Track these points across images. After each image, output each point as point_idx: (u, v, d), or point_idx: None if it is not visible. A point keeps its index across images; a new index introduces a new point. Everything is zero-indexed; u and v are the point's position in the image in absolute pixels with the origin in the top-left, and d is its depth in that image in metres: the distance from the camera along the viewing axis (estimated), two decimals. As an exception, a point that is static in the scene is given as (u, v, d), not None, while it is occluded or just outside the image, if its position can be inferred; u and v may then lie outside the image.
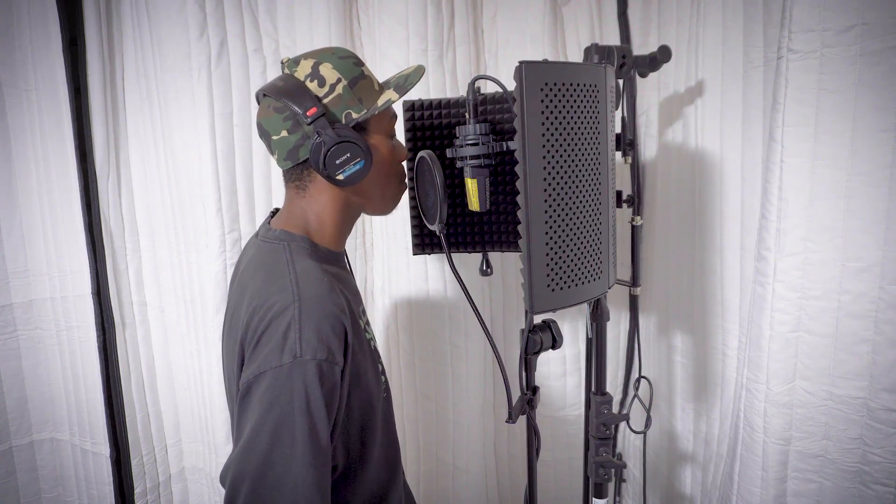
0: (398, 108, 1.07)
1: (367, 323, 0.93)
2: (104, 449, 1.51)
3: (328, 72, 0.83)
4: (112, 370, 1.49)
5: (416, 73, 0.90)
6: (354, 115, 0.84)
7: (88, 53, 1.38)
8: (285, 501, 0.69)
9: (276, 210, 0.98)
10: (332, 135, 0.80)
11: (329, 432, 0.73)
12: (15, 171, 1.46)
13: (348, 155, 0.81)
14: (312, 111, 0.80)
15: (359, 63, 0.87)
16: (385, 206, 0.96)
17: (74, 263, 1.47)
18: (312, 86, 0.83)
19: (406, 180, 0.97)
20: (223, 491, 0.72)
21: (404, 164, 0.99)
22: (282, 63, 0.87)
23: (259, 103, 0.89)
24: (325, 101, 0.83)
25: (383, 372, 0.93)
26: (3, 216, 1.46)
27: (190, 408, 1.58)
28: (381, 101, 0.86)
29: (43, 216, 1.49)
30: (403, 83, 0.89)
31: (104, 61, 1.40)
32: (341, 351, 0.75)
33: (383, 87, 0.91)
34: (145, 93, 1.43)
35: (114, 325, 1.48)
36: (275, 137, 0.85)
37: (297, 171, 0.87)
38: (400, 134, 1.06)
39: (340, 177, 0.82)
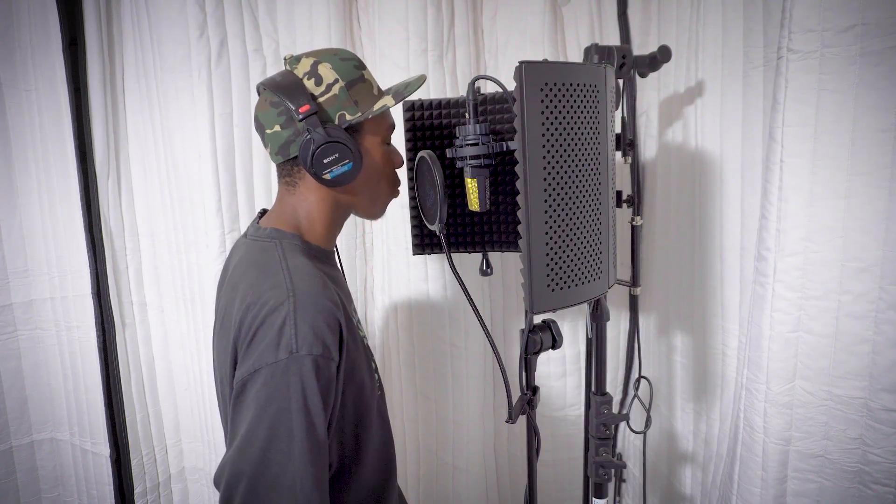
0: (398, 108, 1.07)
1: (359, 321, 0.93)
2: (104, 449, 1.51)
3: (326, 72, 0.83)
4: (112, 370, 1.49)
5: (417, 82, 0.90)
6: (348, 117, 0.84)
7: (88, 53, 1.38)
8: (283, 500, 0.68)
9: (264, 211, 0.98)
10: (322, 134, 0.80)
11: (326, 428, 0.73)
12: (15, 171, 1.46)
13: (336, 155, 0.81)
14: (305, 108, 0.80)
15: (360, 66, 0.87)
16: (374, 211, 0.96)
17: (74, 263, 1.47)
18: (309, 84, 0.83)
19: (398, 188, 0.98)
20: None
21: (400, 170, 0.99)
22: (284, 59, 0.87)
23: (259, 96, 0.89)
24: (320, 100, 0.83)
25: (376, 370, 0.92)
26: (3, 216, 1.46)
27: (190, 408, 1.58)
28: (377, 106, 0.87)
29: (43, 216, 1.49)
30: (402, 90, 0.89)
31: (104, 61, 1.40)
32: (336, 346, 0.75)
33: (384, 93, 0.91)
34: (145, 93, 1.43)
35: (114, 325, 1.48)
36: (268, 131, 0.85)
37: (288, 167, 0.88)
38: (400, 134, 1.06)
39: (327, 176, 0.82)
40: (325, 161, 0.81)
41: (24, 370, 1.53)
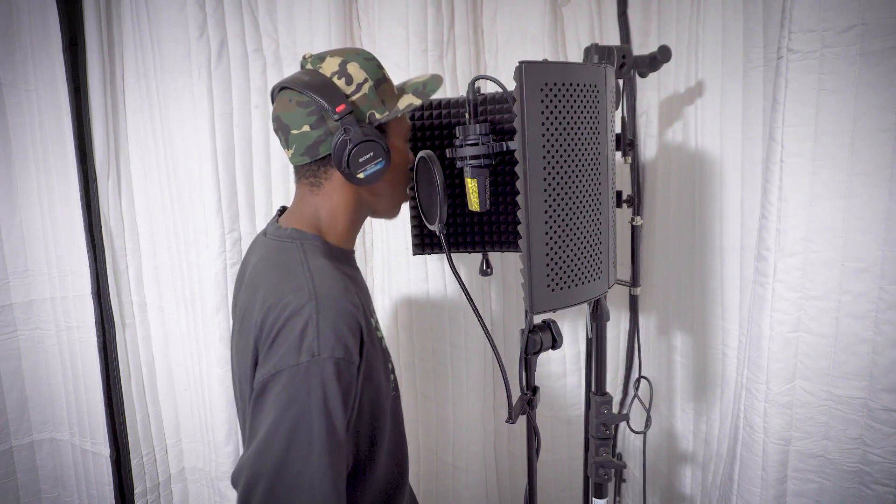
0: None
1: (377, 321, 0.93)
2: (104, 449, 1.51)
3: (356, 71, 0.84)
4: (112, 370, 1.49)
5: (434, 82, 0.91)
6: (378, 116, 0.85)
7: (88, 53, 1.38)
8: (302, 501, 0.68)
9: (284, 208, 0.97)
10: (359, 133, 0.80)
11: (345, 430, 0.73)
12: (15, 171, 1.46)
13: (371, 154, 0.82)
14: (341, 107, 0.80)
15: (381, 66, 0.89)
16: (394, 207, 0.98)
17: (74, 263, 1.47)
18: (340, 83, 0.83)
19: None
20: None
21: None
22: (304, 58, 0.87)
23: (273, 99, 0.89)
24: (352, 99, 0.83)
25: (393, 371, 0.92)
26: (3, 216, 1.46)
27: (190, 408, 1.58)
28: (402, 105, 0.87)
29: (43, 216, 1.49)
30: (422, 90, 0.90)
31: (104, 61, 1.40)
32: (357, 349, 0.75)
33: (400, 91, 0.92)
34: (145, 93, 1.43)
35: (114, 325, 1.48)
36: (295, 132, 0.84)
37: (312, 168, 0.87)
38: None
39: (361, 175, 0.82)
40: (361, 160, 0.81)
41: (24, 370, 1.53)
